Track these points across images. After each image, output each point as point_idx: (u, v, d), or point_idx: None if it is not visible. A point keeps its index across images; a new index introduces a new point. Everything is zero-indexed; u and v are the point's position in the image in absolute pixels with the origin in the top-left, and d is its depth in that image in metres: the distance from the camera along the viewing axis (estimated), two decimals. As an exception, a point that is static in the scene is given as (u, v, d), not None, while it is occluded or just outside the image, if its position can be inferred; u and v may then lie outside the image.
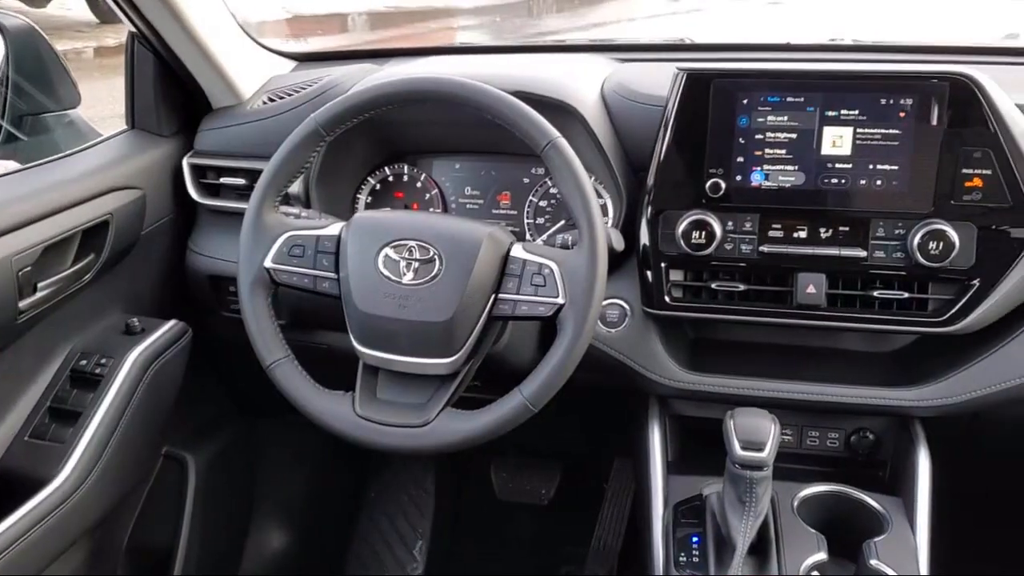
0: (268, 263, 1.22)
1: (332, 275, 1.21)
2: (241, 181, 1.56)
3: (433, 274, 1.16)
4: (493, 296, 1.17)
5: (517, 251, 1.18)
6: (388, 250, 1.18)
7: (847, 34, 1.76)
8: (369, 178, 1.57)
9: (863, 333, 1.41)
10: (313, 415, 1.20)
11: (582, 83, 1.45)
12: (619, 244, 1.31)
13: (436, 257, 1.16)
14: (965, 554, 1.56)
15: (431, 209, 1.56)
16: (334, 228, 1.23)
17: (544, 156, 1.16)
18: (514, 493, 2.21)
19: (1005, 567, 1.86)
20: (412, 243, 1.17)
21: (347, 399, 1.20)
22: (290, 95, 1.61)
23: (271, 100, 1.62)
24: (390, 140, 1.55)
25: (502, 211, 1.54)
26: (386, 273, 1.17)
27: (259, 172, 1.25)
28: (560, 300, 1.14)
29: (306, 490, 2.14)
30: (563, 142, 1.15)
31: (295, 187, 1.48)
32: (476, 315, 1.16)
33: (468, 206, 1.55)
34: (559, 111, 1.35)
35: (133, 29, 1.52)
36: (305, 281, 1.22)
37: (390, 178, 1.57)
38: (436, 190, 1.56)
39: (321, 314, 1.38)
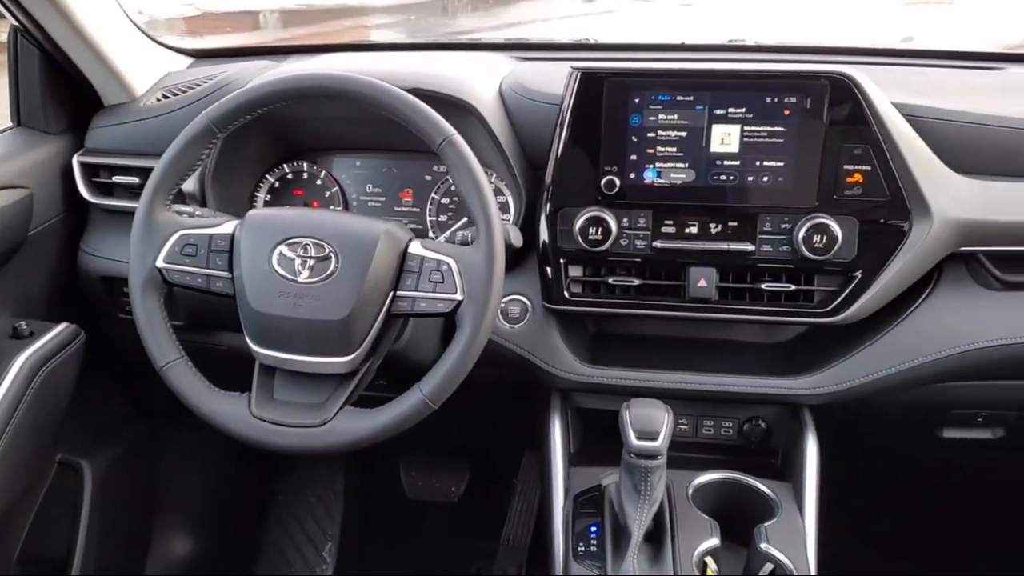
0: (160, 263, 1.20)
1: (226, 274, 1.20)
2: (134, 180, 1.53)
3: (329, 272, 1.15)
4: (391, 293, 1.17)
5: (415, 248, 1.19)
6: (282, 248, 1.17)
7: (751, 35, 1.81)
8: (268, 176, 1.55)
9: (754, 325, 1.45)
10: (207, 416, 1.18)
11: (480, 81, 1.46)
12: (517, 240, 1.32)
13: (332, 255, 1.16)
14: (851, 536, 1.63)
15: (332, 207, 1.55)
16: (228, 226, 1.22)
17: (440, 153, 1.16)
18: (423, 492, 2.21)
19: (888, 547, 1.95)
20: (307, 241, 1.17)
21: (243, 400, 1.18)
22: (184, 92, 1.57)
23: (165, 97, 1.59)
24: (289, 137, 1.53)
25: (404, 208, 1.54)
26: (281, 271, 1.16)
27: (152, 170, 1.23)
28: (458, 296, 1.15)
29: (211, 494, 2.10)
30: (459, 139, 1.16)
31: (190, 185, 1.46)
32: (374, 313, 1.16)
33: (370, 204, 1.55)
34: (456, 108, 1.35)
35: (15, 23, 1.47)
36: (198, 281, 1.20)
37: (289, 176, 1.56)
38: (336, 188, 1.55)
39: (219, 314, 1.36)
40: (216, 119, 1.20)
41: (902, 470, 1.76)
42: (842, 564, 1.37)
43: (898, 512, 2.02)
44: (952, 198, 1.29)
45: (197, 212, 1.31)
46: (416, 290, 1.17)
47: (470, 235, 1.22)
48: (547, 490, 1.40)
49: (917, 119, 1.31)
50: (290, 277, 1.16)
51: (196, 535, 2.03)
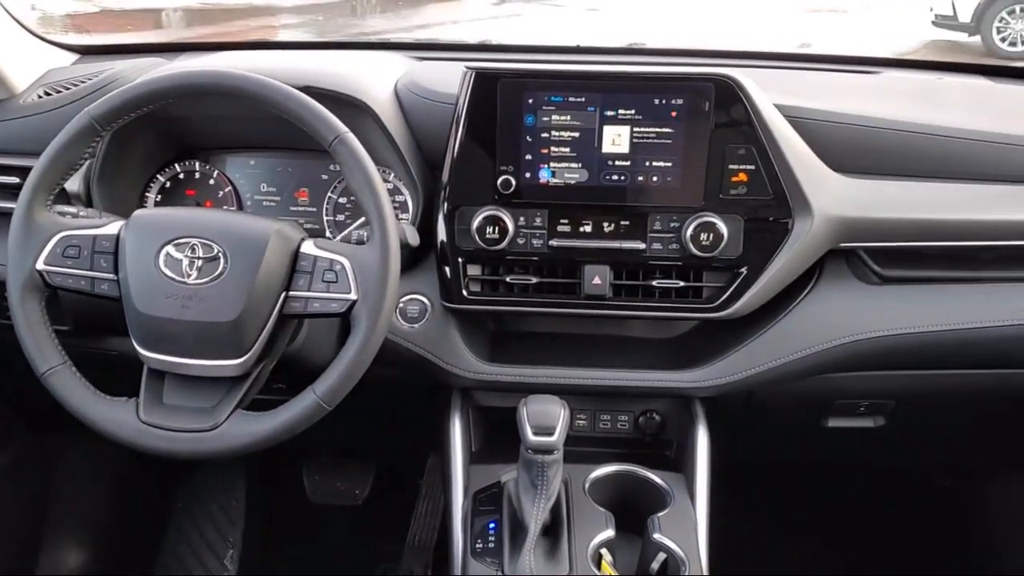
0: (40, 265, 1.16)
1: (111, 276, 1.16)
2: (14, 180, 1.47)
3: (217, 273, 1.13)
4: (283, 294, 1.16)
5: (308, 247, 1.18)
6: (169, 248, 1.14)
7: (652, 39, 1.86)
8: (158, 175, 1.51)
9: (647, 320, 1.49)
10: (93, 423, 1.15)
11: (375, 79, 1.46)
12: (414, 239, 1.33)
13: (221, 255, 1.14)
14: (743, 522, 1.69)
15: (225, 207, 1.52)
16: (113, 227, 1.18)
17: (332, 151, 1.16)
18: (327, 495, 2.19)
19: (778, 533, 2.03)
20: (195, 241, 1.14)
21: (130, 405, 1.16)
22: (68, 89, 1.52)
23: (47, 94, 1.53)
24: (180, 136, 1.50)
25: (300, 208, 1.52)
26: (168, 273, 1.13)
27: (31, 170, 1.19)
28: (352, 296, 1.14)
29: (107, 504, 2.03)
30: (351, 137, 1.16)
31: (75, 185, 1.41)
32: (266, 314, 1.15)
33: (264, 204, 1.52)
34: (350, 106, 1.35)
35: None
36: (82, 283, 1.17)
37: (181, 175, 1.52)
38: (230, 187, 1.52)
39: (107, 318, 1.32)
40: (99, 117, 1.17)
41: (790, 458, 1.82)
42: (734, 550, 1.41)
43: (787, 499, 2.10)
44: (831, 196, 1.35)
45: (82, 213, 1.27)
46: (309, 290, 1.16)
47: (365, 234, 1.22)
48: (447, 488, 1.41)
49: (798, 120, 1.37)
50: (177, 278, 1.13)
51: (90, 545, 1.97)
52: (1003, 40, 8.53)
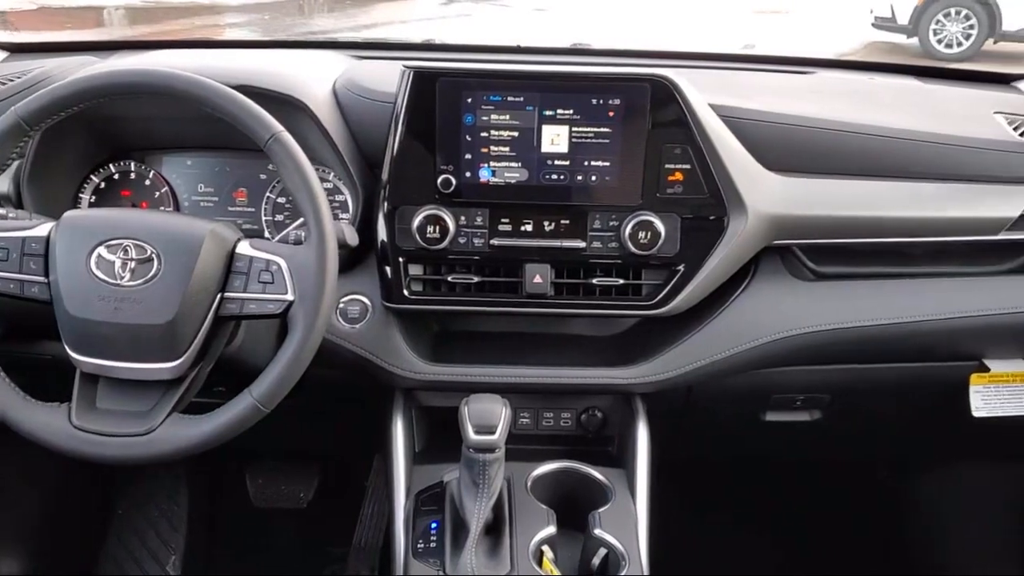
0: None
1: (41, 279, 1.14)
2: (-61, 181, 1.43)
3: (151, 274, 1.12)
4: (219, 295, 1.15)
5: (243, 248, 1.17)
6: (101, 250, 1.12)
7: (598, 40, 1.88)
8: (92, 176, 1.48)
9: (589, 318, 1.50)
10: (23, 429, 1.13)
11: (313, 78, 1.44)
12: (352, 239, 1.32)
13: (154, 256, 1.12)
14: (684, 518, 1.71)
15: (161, 208, 1.49)
16: (43, 228, 1.16)
17: (267, 150, 1.15)
18: (271, 498, 2.16)
19: (717, 526, 2.06)
20: (128, 242, 1.13)
21: (62, 410, 1.14)
22: (-5, 87, 1.49)
23: (-26, 92, 1.49)
24: (115, 135, 1.47)
25: (238, 209, 1.51)
26: (100, 275, 1.12)
27: None
28: (289, 297, 1.14)
29: (43, 512, 1.98)
30: (287, 136, 1.15)
31: (3, 186, 1.38)
32: (201, 315, 1.13)
33: (202, 204, 1.50)
34: (286, 105, 1.34)
35: None
36: (11, 287, 1.14)
37: (115, 176, 1.49)
38: (166, 188, 1.49)
39: (38, 322, 1.29)
40: (26, 116, 1.14)
41: (730, 452, 1.85)
42: (674, 545, 1.43)
43: (728, 494, 2.13)
44: (765, 195, 1.37)
45: (11, 214, 1.24)
46: (245, 291, 1.15)
47: (303, 234, 1.21)
48: (389, 490, 1.40)
49: (733, 120, 1.39)
50: (110, 280, 1.11)
51: (25, 557, 1.91)
52: (939, 42, 8.77)
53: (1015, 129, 1.50)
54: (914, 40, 8.86)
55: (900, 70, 1.80)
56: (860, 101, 1.55)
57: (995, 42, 8.63)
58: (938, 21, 8.75)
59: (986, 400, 1.52)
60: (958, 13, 8.68)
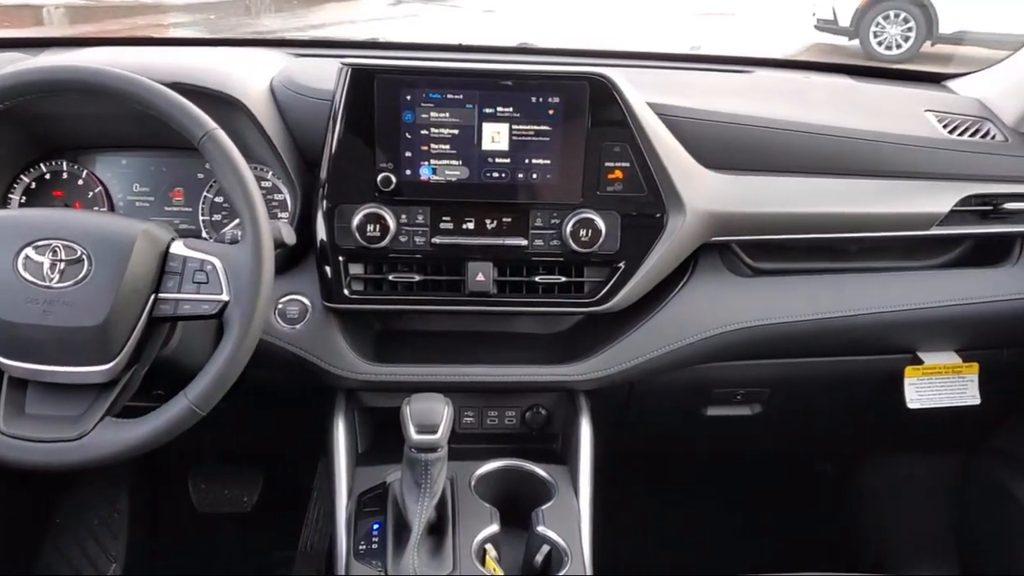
0: None
1: None
2: None
3: (82, 276, 1.09)
4: (152, 296, 1.13)
5: (177, 248, 1.15)
6: (29, 251, 1.10)
7: (544, 40, 1.88)
8: (23, 176, 1.44)
9: (532, 316, 1.50)
10: None
11: (249, 76, 1.43)
12: (290, 238, 1.30)
13: (84, 257, 1.10)
14: (627, 512, 1.72)
15: (96, 208, 1.46)
16: None
17: (201, 148, 1.14)
18: (215, 503, 2.13)
19: (660, 521, 2.08)
20: (56, 243, 1.10)
21: None
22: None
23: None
24: (46, 134, 1.44)
25: (175, 208, 1.48)
26: (28, 276, 1.09)
27: None
28: (224, 297, 1.12)
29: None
30: (220, 134, 1.14)
31: (-73, 187, 1.34)
32: (134, 317, 1.11)
33: (137, 204, 1.47)
34: (221, 103, 1.32)
35: None
36: None
37: (47, 176, 1.45)
38: (100, 188, 1.46)
39: None
40: None
41: (673, 448, 1.87)
42: (618, 539, 1.44)
43: (672, 489, 2.15)
44: (703, 192, 1.39)
45: None
46: (179, 292, 1.13)
47: (240, 233, 1.19)
48: (331, 491, 1.39)
49: (671, 118, 1.40)
50: (38, 282, 1.09)
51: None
52: (880, 44, 8.95)
53: (945, 127, 1.54)
54: (855, 42, 9.03)
55: (835, 69, 1.84)
56: (796, 100, 1.58)
57: (932, 44, 8.84)
58: (878, 23, 8.93)
59: (920, 392, 1.56)
60: (897, 16, 8.87)
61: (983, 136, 1.54)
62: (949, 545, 1.95)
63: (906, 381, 1.56)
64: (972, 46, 7.44)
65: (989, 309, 1.52)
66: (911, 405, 1.56)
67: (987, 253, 1.57)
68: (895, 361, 1.56)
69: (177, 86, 1.17)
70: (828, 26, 9.22)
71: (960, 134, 1.53)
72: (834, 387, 1.62)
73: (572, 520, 1.31)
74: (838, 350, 1.54)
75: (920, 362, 1.55)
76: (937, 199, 1.47)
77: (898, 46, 8.92)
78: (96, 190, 1.46)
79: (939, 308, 1.50)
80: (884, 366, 1.56)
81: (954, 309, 1.51)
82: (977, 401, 1.57)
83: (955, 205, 1.47)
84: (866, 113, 1.55)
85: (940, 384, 1.56)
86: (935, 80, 1.77)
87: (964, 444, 1.86)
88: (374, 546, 1.25)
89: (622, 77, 1.34)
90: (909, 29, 8.90)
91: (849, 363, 1.56)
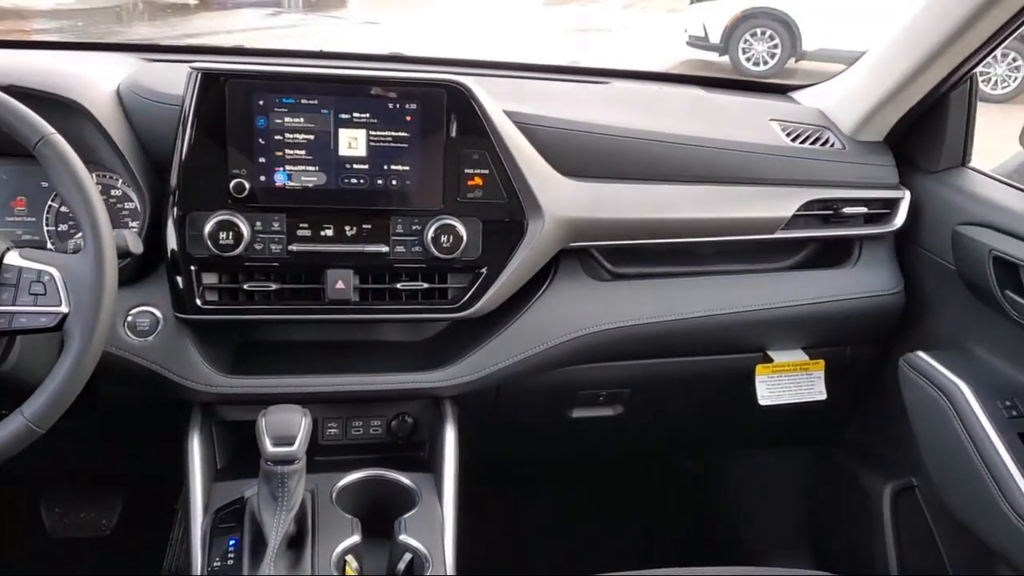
0: None
1: None
2: None
3: None
4: None
5: (12, 258, 1.10)
6: None
7: (419, 50, 1.88)
8: None
9: (398, 323, 1.50)
10: None
11: (94, 80, 1.37)
12: (136, 247, 1.26)
13: None
14: (493, 518, 1.73)
15: (-74, 219, 1.38)
16: None
17: (37, 154, 1.09)
18: (70, 528, 2.02)
19: (529, 527, 2.10)
20: None
21: None
22: None
23: None
24: None
25: (17, 218, 1.40)
26: None
27: None
28: (64, 309, 1.08)
29: None
30: (58, 139, 1.09)
31: None
32: None
33: None
34: (61, 107, 1.27)
35: None
36: None
37: None
38: (-68, 197, 1.38)
39: None
40: None
41: (541, 451, 1.89)
42: (484, 545, 1.45)
43: (539, 493, 2.18)
44: (560, 199, 1.42)
45: None
46: (14, 304, 1.08)
47: (83, 243, 1.15)
48: (185, 509, 1.35)
49: (528, 126, 1.43)
50: None
51: None
52: (748, 60, 9.36)
53: (788, 135, 1.62)
54: (725, 58, 9.42)
55: (687, 80, 1.91)
56: (649, 110, 1.63)
57: (796, 61, 9.31)
58: (746, 40, 9.34)
59: (770, 389, 1.63)
60: (763, 33, 9.31)
61: (823, 144, 1.63)
62: (805, 535, 2.04)
63: (757, 379, 1.62)
64: (831, 62, 7.87)
65: (831, 308, 1.60)
66: (762, 402, 1.62)
67: (829, 255, 1.65)
68: (747, 360, 1.62)
69: (11, 89, 1.12)
70: (699, 42, 9.59)
71: (802, 142, 1.61)
72: (691, 386, 1.68)
73: (435, 527, 1.30)
74: (693, 350, 1.59)
75: (770, 360, 1.62)
76: (781, 204, 1.55)
77: (765, 62, 9.35)
78: (-73, 200, 1.38)
79: (786, 308, 1.57)
80: (737, 364, 1.63)
81: (800, 308, 1.58)
82: (824, 397, 1.65)
83: (798, 209, 1.55)
84: (715, 122, 1.61)
85: (789, 381, 1.63)
86: (781, 91, 1.86)
87: (817, 438, 1.95)
88: (230, 562, 1.21)
89: (479, 86, 1.35)
90: (775, 46, 9.35)
91: (704, 362, 1.62)
